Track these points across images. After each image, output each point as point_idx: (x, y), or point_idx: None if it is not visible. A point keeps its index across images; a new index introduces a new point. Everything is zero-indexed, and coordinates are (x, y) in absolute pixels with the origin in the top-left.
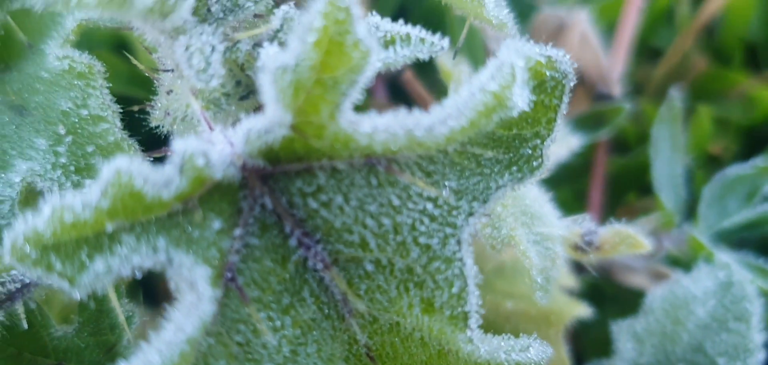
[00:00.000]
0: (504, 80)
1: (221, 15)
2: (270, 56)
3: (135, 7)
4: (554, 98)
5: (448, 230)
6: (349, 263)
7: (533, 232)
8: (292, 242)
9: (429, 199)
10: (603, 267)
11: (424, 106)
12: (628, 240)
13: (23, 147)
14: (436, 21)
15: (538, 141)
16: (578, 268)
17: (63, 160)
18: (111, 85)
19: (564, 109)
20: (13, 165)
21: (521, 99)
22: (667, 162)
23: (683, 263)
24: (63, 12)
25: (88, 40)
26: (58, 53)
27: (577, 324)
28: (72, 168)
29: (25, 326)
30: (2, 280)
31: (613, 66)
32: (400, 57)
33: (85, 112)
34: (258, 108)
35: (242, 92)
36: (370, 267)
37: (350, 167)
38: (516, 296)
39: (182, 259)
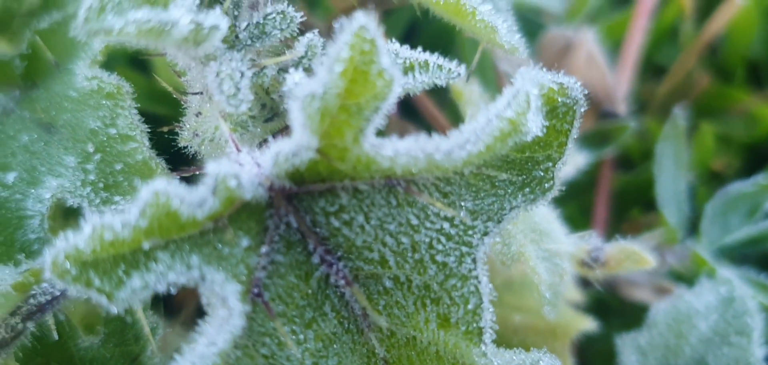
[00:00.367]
0: (519, 107)
1: (249, 42)
2: (299, 84)
3: (172, 37)
4: (566, 122)
5: (464, 249)
6: (368, 280)
7: (542, 248)
8: (315, 259)
9: (446, 219)
10: (608, 282)
11: (433, 121)
12: (633, 257)
13: (52, 164)
14: (445, 40)
15: (550, 164)
16: (583, 282)
17: (92, 177)
18: None
19: (575, 133)
20: (43, 181)
21: (535, 125)
22: (671, 179)
23: (686, 278)
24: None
25: (106, 55)
26: (86, 74)
27: (582, 337)
28: (101, 185)
29: (56, 337)
30: (33, 292)
31: (619, 85)
32: (418, 83)
33: (113, 131)
34: (282, 130)
35: (267, 114)
36: (388, 284)
37: (371, 188)
38: (524, 309)
39: (214, 276)
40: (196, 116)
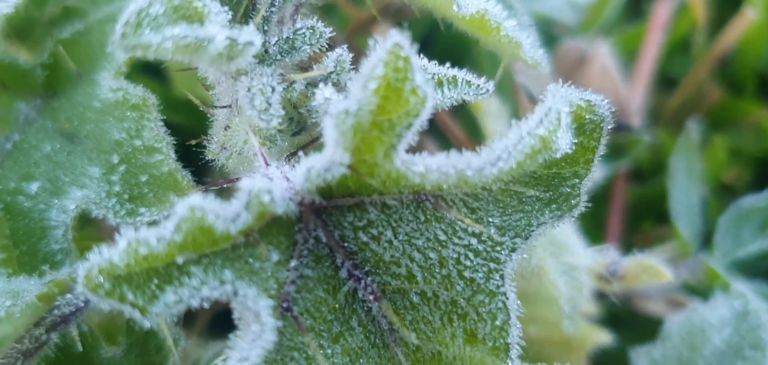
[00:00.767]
0: (551, 125)
1: (278, 57)
2: (332, 101)
3: (208, 53)
4: (593, 139)
5: (492, 265)
6: (395, 295)
7: (561, 262)
8: (343, 273)
9: (474, 235)
10: (622, 294)
11: (447, 131)
12: (650, 271)
13: (76, 174)
14: (461, 50)
15: (577, 180)
16: (598, 295)
17: (117, 188)
18: None
19: (601, 150)
20: (67, 192)
21: (565, 142)
22: (684, 192)
23: (699, 291)
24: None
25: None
26: (111, 85)
27: (596, 349)
28: (126, 197)
29: (80, 348)
30: (57, 303)
31: (633, 98)
32: (447, 99)
33: (138, 142)
34: (308, 143)
35: (295, 128)
36: (415, 299)
37: (400, 203)
38: (539, 321)
39: (246, 291)
40: (225, 129)
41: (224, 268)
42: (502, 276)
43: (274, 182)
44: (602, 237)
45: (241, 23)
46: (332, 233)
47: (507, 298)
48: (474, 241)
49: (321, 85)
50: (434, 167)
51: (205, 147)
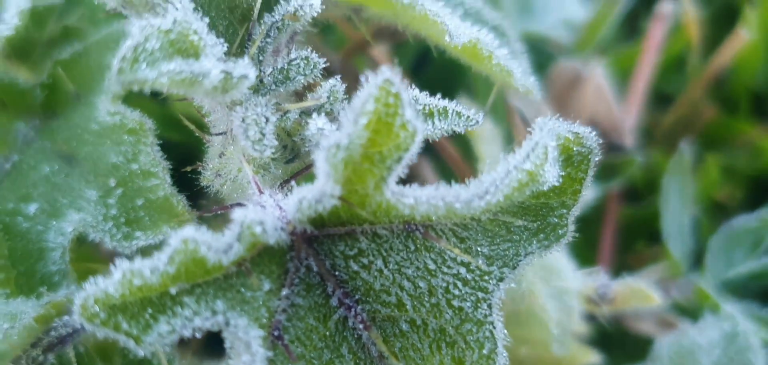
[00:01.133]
0: (538, 159)
1: (273, 87)
2: (324, 133)
3: (203, 87)
4: (580, 171)
5: (480, 294)
6: (385, 322)
7: (551, 286)
8: (334, 301)
9: (463, 264)
10: (612, 315)
11: (442, 150)
12: (639, 294)
13: (74, 197)
14: (455, 74)
15: (564, 211)
16: (589, 315)
17: (114, 212)
18: None
19: (589, 181)
20: (65, 214)
21: (552, 175)
22: (676, 214)
23: (689, 311)
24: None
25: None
26: (109, 108)
27: None
28: (123, 220)
29: None
30: (54, 325)
31: (626, 118)
32: (438, 130)
33: (135, 166)
34: (301, 170)
35: (288, 155)
36: (405, 327)
37: (390, 233)
38: (530, 342)
39: (238, 321)
40: (220, 157)
41: (216, 298)
42: (489, 306)
43: (267, 211)
44: (595, 257)
45: (237, 54)
46: (323, 262)
47: (494, 327)
48: (463, 270)
49: (314, 115)
50: (424, 199)
51: (200, 173)
